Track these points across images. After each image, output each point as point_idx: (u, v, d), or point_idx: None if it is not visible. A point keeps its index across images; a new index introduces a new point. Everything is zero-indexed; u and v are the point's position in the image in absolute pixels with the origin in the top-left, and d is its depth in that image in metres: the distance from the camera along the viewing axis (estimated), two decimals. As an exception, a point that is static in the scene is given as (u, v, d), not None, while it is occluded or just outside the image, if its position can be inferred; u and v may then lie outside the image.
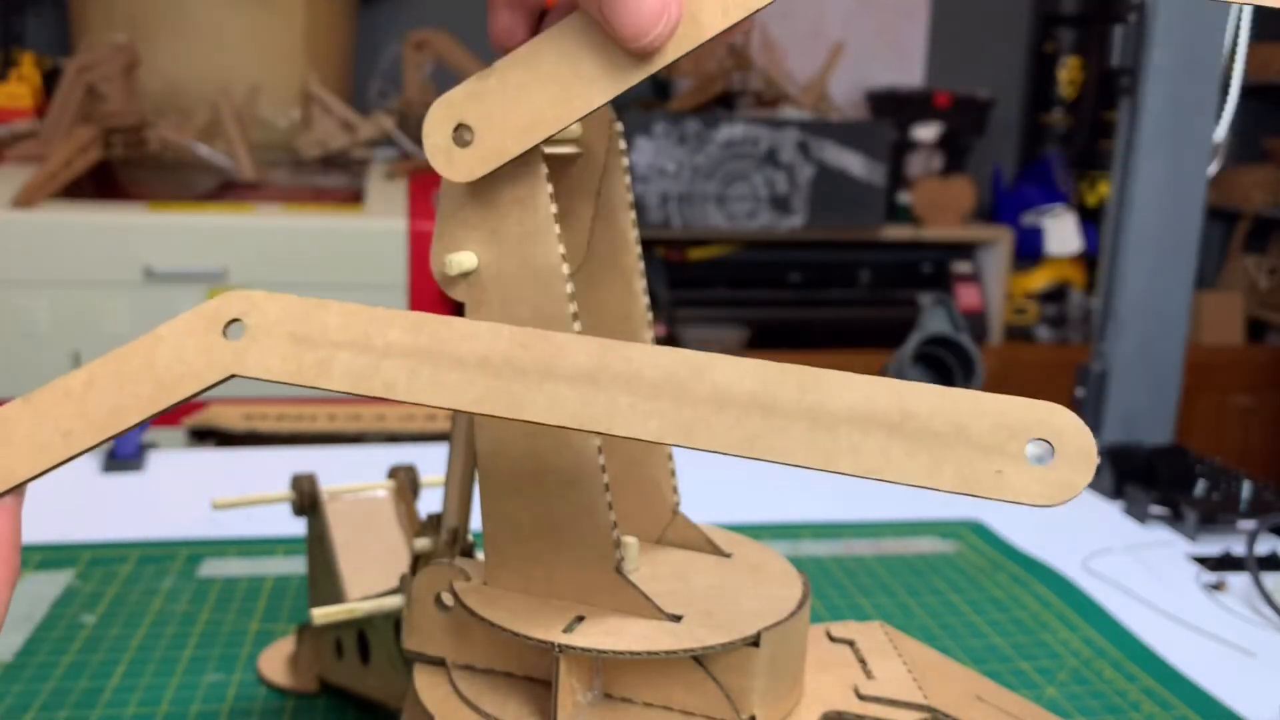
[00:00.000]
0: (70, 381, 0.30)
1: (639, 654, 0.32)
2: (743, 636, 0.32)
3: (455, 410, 0.29)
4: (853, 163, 2.21)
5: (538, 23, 0.31)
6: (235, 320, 0.30)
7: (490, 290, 0.32)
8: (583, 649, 0.32)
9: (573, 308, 0.32)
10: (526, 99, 0.30)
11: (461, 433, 0.39)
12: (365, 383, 0.29)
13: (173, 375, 0.30)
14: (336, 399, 1.65)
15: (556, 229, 0.32)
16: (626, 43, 0.27)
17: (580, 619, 0.33)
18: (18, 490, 0.30)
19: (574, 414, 0.28)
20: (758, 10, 0.28)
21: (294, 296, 0.30)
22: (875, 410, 0.26)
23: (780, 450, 0.27)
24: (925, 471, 0.26)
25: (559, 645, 0.32)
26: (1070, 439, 0.25)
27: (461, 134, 0.31)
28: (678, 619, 0.33)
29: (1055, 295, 2.57)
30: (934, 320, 1.00)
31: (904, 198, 2.39)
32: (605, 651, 0.32)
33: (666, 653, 0.32)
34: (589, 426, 0.28)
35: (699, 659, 0.32)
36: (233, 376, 0.30)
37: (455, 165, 0.31)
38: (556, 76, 0.30)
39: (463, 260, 0.32)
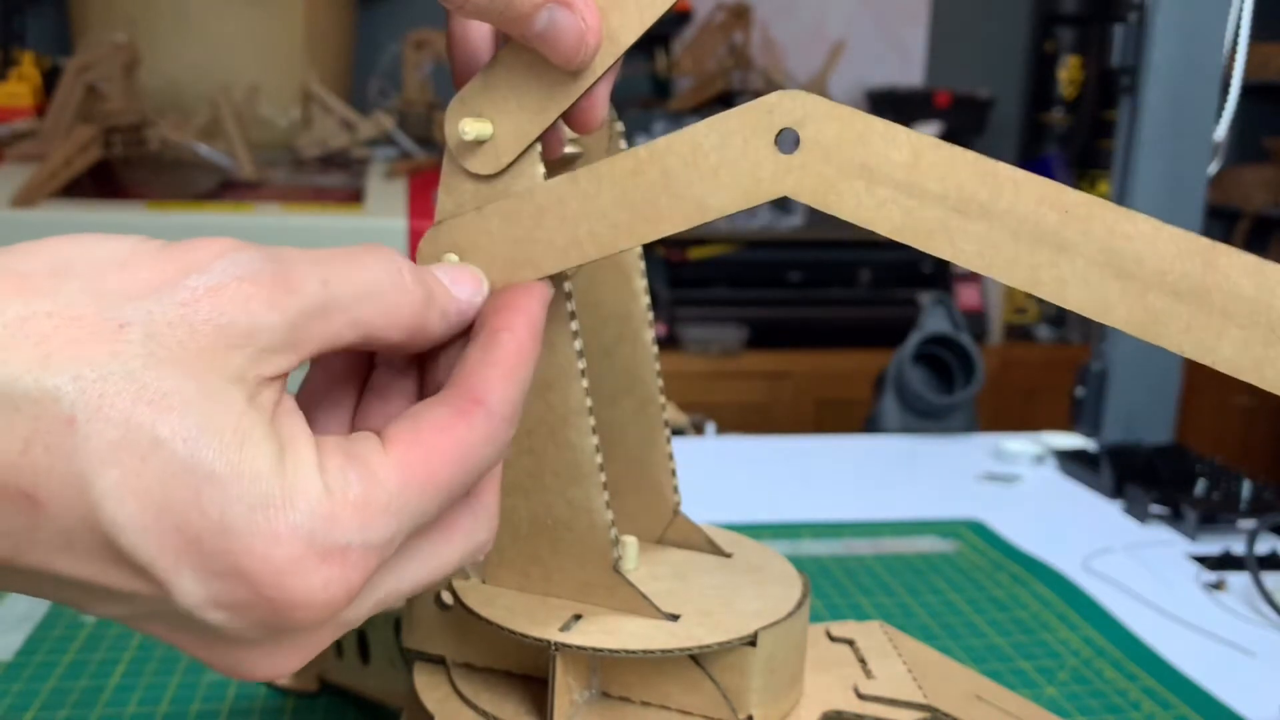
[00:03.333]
0: (618, 165, 0.29)
1: (635, 653, 0.32)
2: (740, 636, 0.32)
3: (1025, 289, 0.26)
4: (853, 162, 2.20)
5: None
6: (788, 129, 0.27)
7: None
8: (579, 647, 0.32)
9: (570, 307, 0.32)
10: (537, 77, 0.30)
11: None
12: (929, 241, 0.26)
13: (720, 181, 0.28)
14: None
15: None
16: (561, 68, 0.30)
17: (578, 617, 0.33)
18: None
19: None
20: (663, 13, 0.29)
21: (852, 111, 0.27)
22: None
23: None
24: None
25: (555, 644, 0.32)
26: None
27: (482, 125, 0.31)
28: (675, 618, 0.33)
29: (1055, 295, 2.57)
30: (934, 319, 1.00)
31: (904, 197, 2.39)
32: (601, 650, 0.32)
33: (663, 651, 0.32)
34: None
35: (696, 658, 0.32)
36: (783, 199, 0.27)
37: (479, 157, 0.31)
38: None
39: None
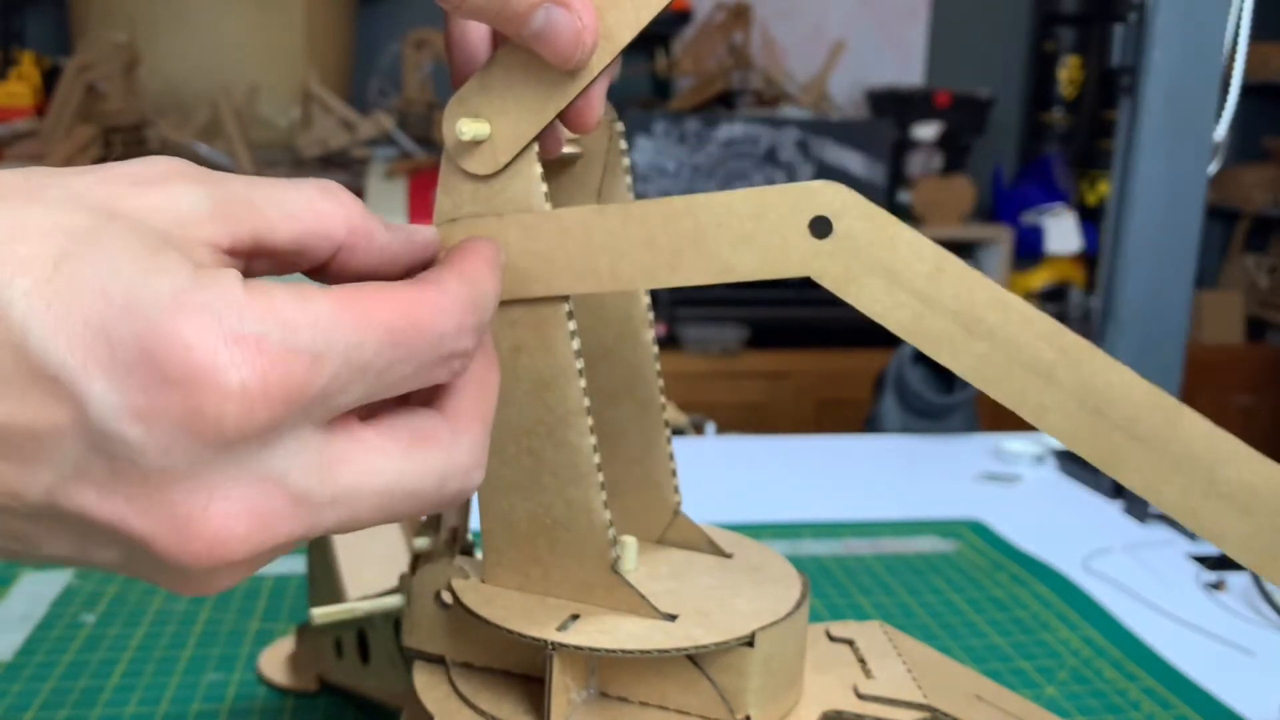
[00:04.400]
0: (652, 209, 0.30)
1: (632, 653, 0.32)
2: (737, 636, 0.32)
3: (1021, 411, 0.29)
4: (853, 162, 2.21)
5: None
6: (824, 216, 0.28)
7: None
8: (576, 647, 0.32)
9: (568, 307, 0.32)
10: (534, 77, 0.30)
11: (460, 432, 0.39)
12: (934, 346, 0.28)
13: (750, 248, 0.29)
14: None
15: (554, 228, 0.32)
16: (558, 68, 0.30)
17: (575, 617, 0.33)
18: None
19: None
20: (660, 11, 0.29)
21: (886, 215, 0.28)
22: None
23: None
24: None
25: (552, 643, 0.32)
26: None
27: (479, 126, 0.31)
28: (673, 618, 0.33)
29: (1055, 294, 2.57)
30: (934, 320, 1.00)
31: (904, 197, 2.39)
32: (599, 650, 0.32)
33: (660, 651, 0.32)
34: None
35: (694, 658, 0.32)
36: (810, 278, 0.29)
37: (477, 157, 0.31)
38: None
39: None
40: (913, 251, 0.28)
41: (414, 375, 0.25)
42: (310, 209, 0.26)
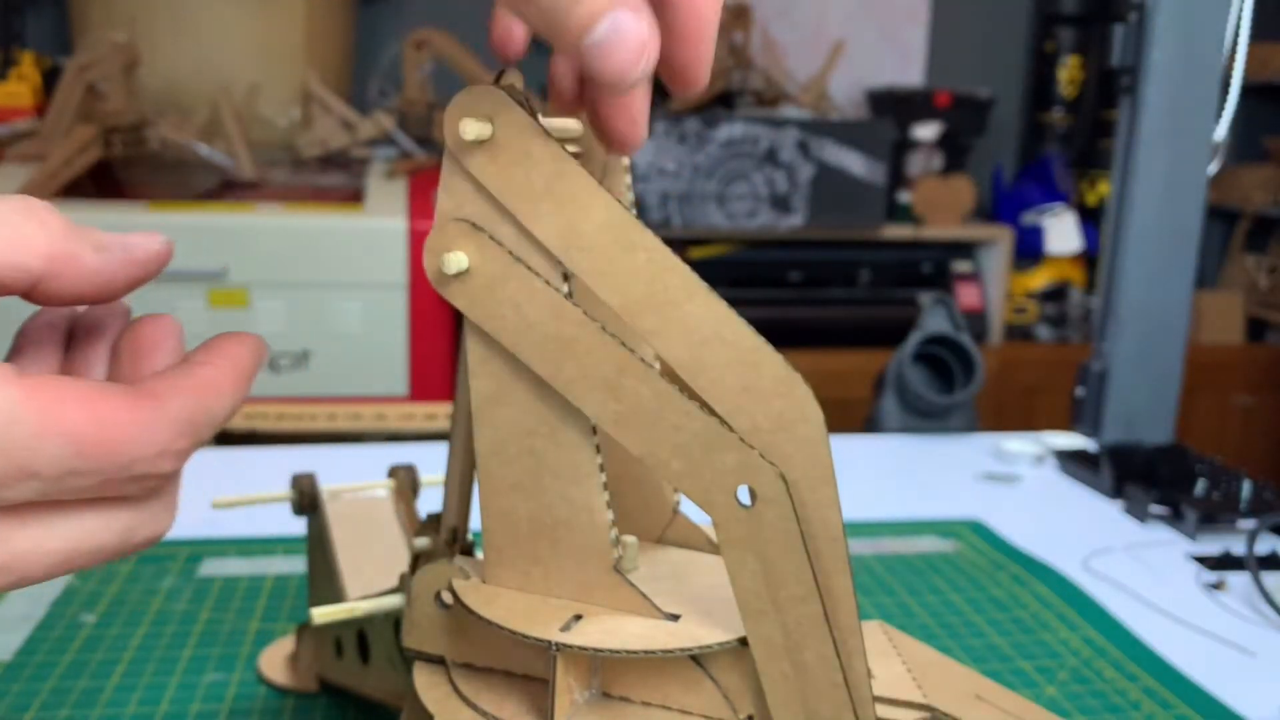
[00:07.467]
0: (631, 365, 0.30)
1: (635, 653, 0.32)
2: (739, 636, 0.32)
3: None
4: (853, 162, 2.21)
5: None
6: (754, 490, 0.29)
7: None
8: (579, 647, 0.32)
9: (571, 307, 0.32)
10: None
11: (461, 432, 0.39)
12: (754, 640, 0.30)
13: (684, 459, 0.30)
14: (336, 399, 1.65)
15: (554, 228, 0.32)
16: (610, 87, 0.27)
17: (578, 617, 0.33)
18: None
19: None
20: None
21: (795, 531, 0.29)
22: None
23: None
24: None
25: (555, 644, 0.32)
26: None
27: (482, 126, 0.31)
28: (675, 618, 0.33)
29: (1055, 294, 2.57)
30: (934, 319, 1.00)
31: (904, 197, 2.39)
32: (602, 650, 0.32)
33: (663, 651, 0.32)
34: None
35: (696, 658, 0.32)
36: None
37: (478, 158, 0.31)
38: None
39: (459, 260, 0.32)
40: (795, 571, 0.30)
41: (97, 488, 0.24)
42: (6, 231, 0.24)
